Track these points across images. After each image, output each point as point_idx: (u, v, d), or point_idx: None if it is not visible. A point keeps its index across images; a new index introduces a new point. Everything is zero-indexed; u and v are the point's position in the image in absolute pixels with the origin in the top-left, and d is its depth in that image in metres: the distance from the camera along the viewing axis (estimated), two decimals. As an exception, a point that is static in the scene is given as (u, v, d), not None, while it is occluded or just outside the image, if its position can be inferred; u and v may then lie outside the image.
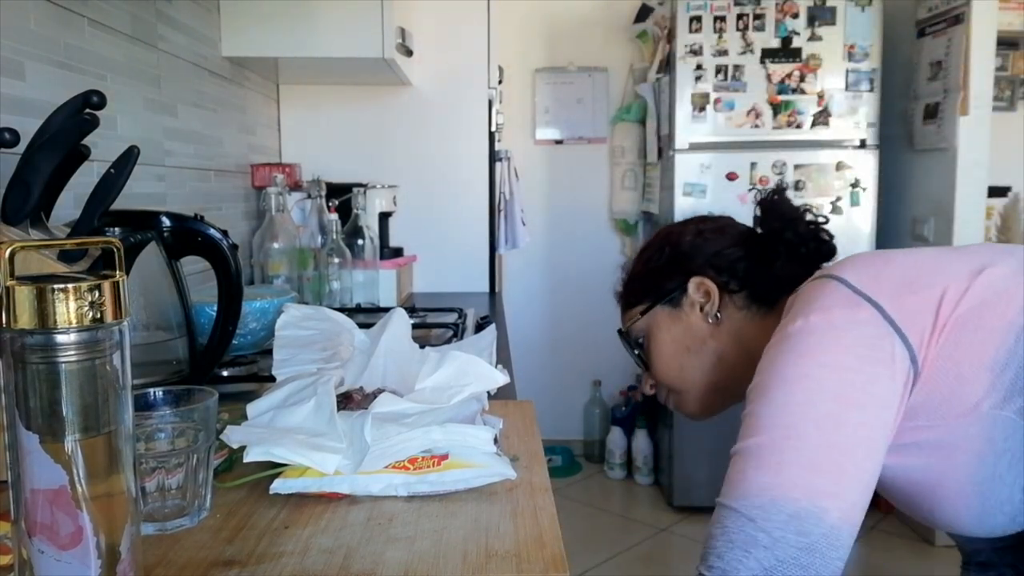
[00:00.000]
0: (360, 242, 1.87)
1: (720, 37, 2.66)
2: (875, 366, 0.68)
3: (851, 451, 0.67)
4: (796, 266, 0.89)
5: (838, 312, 0.71)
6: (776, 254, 0.90)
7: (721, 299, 0.90)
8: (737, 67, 2.67)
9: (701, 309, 0.91)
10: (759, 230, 0.94)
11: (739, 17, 2.65)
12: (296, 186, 2.05)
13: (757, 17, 2.65)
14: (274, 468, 0.70)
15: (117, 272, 0.49)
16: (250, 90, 1.98)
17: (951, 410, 0.69)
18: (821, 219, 0.93)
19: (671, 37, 2.74)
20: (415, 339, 0.94)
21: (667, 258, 0.95)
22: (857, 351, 0.69)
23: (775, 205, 0.93)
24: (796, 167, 2.68)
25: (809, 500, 0.64)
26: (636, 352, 0.98)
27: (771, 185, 2.61)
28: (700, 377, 0.93)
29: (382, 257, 1.98)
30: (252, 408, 0.77)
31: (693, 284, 0.91)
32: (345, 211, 1.88)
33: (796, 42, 2.65)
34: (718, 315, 0.91)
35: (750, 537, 0.65)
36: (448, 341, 1.28)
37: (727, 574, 0.64)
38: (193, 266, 0.99)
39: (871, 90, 2.66)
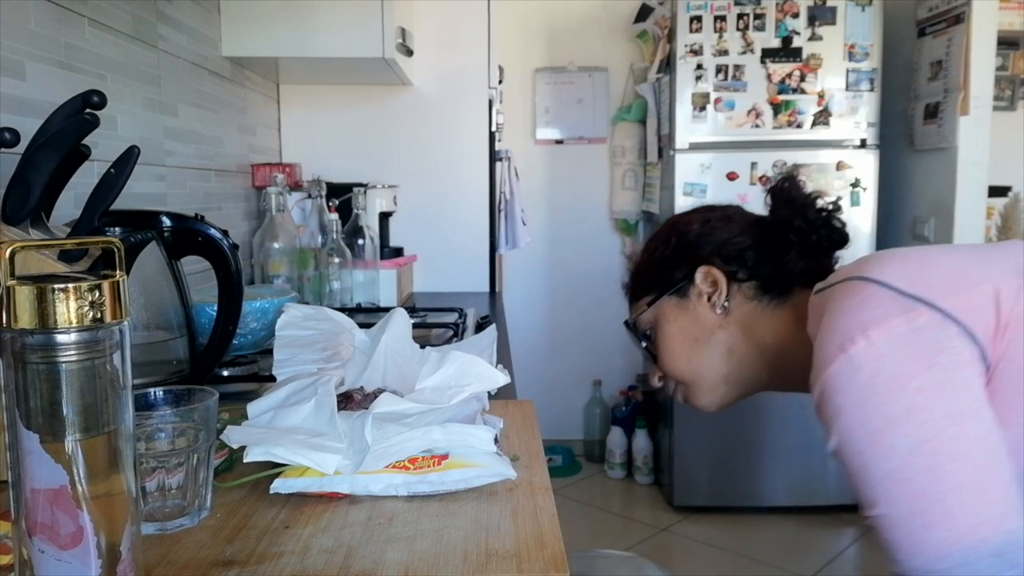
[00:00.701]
0: (360, 242, 1.87)
1: (720, 37, 2.66)
2: (960, 369, 0.66)
3: (992, 461, 0.64)
4: (809, 256, 0.87)
5: (896, 322, 0.67)
6: (787, 243, 0.87)
7: (729, 289, 0.88)
8: (737, 67, 2.67)
9: (709, 299, 0.89)
10: (769, 218, 0.91)
11: (739, 17, 2.65)
12: (296, 186, 2.05)
13: (757, 17, 2.65)
14: (274, 468, 0.70)
15: (117, 272, 0.49)
16: (250, 90, 1.98)
17: (1008, 414, 0.66)
18: (832, 206, 0.90)
19: (671, 37, 2.74)
20: (415, 339, 0.94)
21: (673, 248, 0.93)
22: (938, 359, 0.65)
23: (785, 192, 0.90)
24: (796, 167, 2.68)
25: (997, 531, 0.62)
26: (644, 344, 0.95)
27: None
28: (709, 369, 0.90)
29: (382, 257, 1.98)
30: (252, 408, 0.77)
31: (700, 273, 0.89)
32: (345, 211, 1.88)
33: (796, 42, 2.65)
34: (726, 305, 0.88)
35: None
36: (448, 341, 1.28)
37: None
38: (193, 266, 0.99)
39: (871, 90, 2.66)
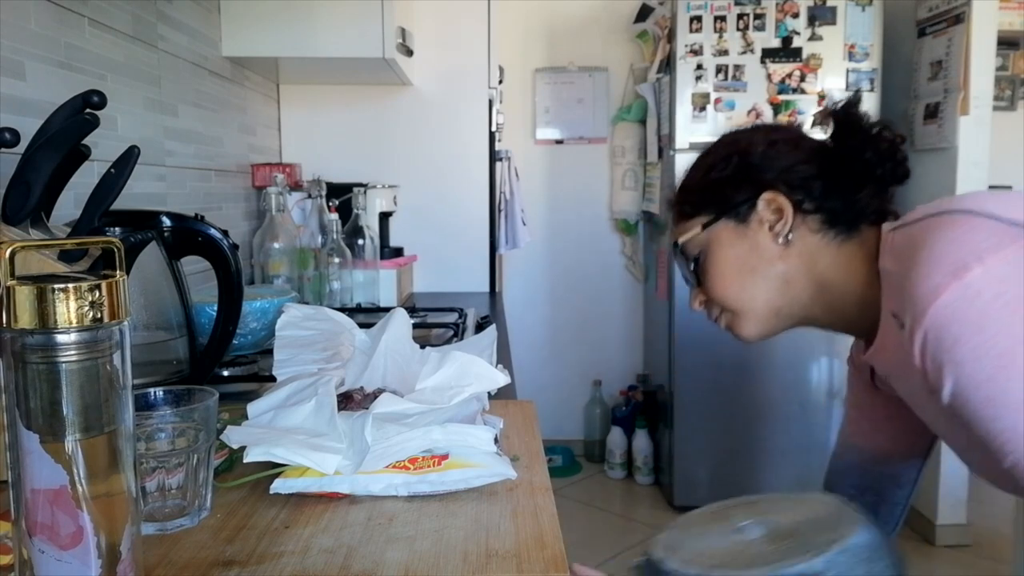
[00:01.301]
0: (360, 242, 1.87)
1: (720, 37, 2.66)
2: None
3: None
4: (882, 193, 0.84)
5: (1012, 250, 0.65)
6: (858, 177, 0.83)
7: (794, 219, 0.83)
8: (737, 67, 2.67)
9: (771, 228, 0.84)
10: (832, 146, 0.86)
11: (739, 17, 2.65)
12: (296, 186, 2.05)
13: (757, 17, 2.65)
14: (274, 468, 0.70)
15: (117, 272, 0.49)
16: (250, 90, 1.98)
17: None
18: (898, 138, 0.84)
19: (671, 37, 2.74)
20: (415, 339, 0.94)
21: (734, 167, 0.86)
22: None
23: (852, 119, 0.84)
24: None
25: None
26: (691, 267, 0.89)
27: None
28: (762, 299, 0.85)
29: (382, 257, 1.98)
30: (253, 408, 0.77)
31: (764, 200, 0.83)
32: (345, 211, 1.88)
33: (796, 42, 2.65)
34: (789, 236, 0.83)
35: None
36: (448, 341, 1.28)
37: None
38: (193, 266, 0.99)
39: (871, 90, 2.66)
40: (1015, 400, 0.63)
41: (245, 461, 0.68)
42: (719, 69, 2.67)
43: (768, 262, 0.84)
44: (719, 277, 0.87)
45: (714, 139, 0.92)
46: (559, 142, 3.36)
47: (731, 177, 0.86)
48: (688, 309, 0.93)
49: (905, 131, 2.73)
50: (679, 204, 0.91)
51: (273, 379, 0.87)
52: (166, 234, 0.92)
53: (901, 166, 0.84)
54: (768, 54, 2.66)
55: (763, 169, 0.84)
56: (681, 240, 0.90)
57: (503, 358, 1.29)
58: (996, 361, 0.63)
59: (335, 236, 1.76)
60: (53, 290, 0.45)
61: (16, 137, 0.75)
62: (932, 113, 2.57)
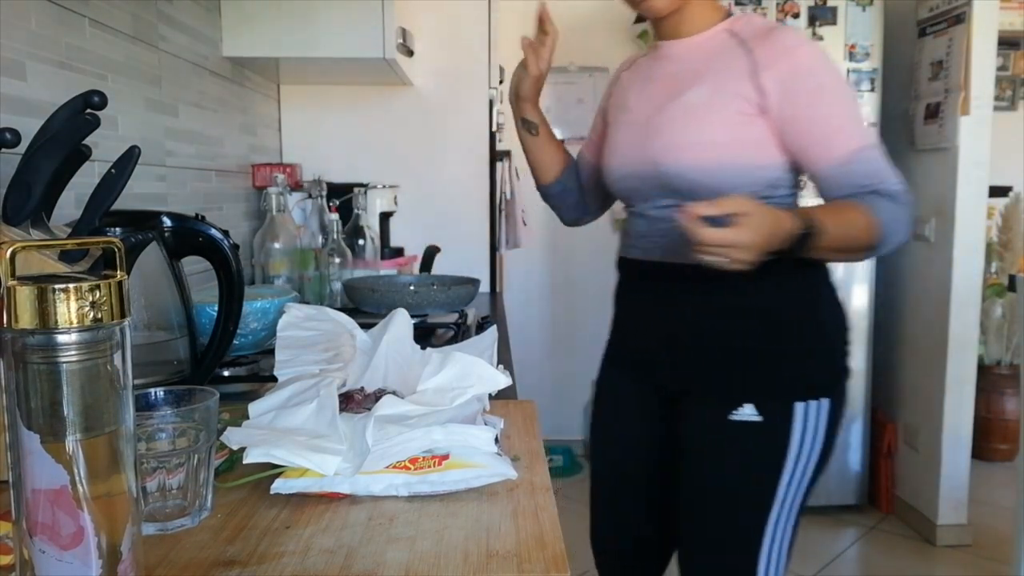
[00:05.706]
0: (361, 242, 1.87)
1: (721, 37, 2.66)
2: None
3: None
4: None
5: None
6: None
7: None
8: (738, 67, 2.67)
9: None
10: None
11: (740, 17, 2.65)
12: (297, 186, 2.05)
13: (758, 17, 2.65)
14: (275, 468, 0.70)
15: (118, 272, 0.49)
16: (251, 90, 1.98)
17: None
18: None
19: (672, 37, 2.73)
20: (416, 340, 0.94)
21: None
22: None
23: None
24: None
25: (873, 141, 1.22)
26: None
27: None
28: None
29: (383, 257, 1.98)
30: (254, 407, 0.77)
31: None
32: (346, 211, 1.88)
33: (797, 42, 2.65)
34: None
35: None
36: (449, 341, 1.28)
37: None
38: (194, 266, 0.99)
39: (872, 90, 2.66)
40: (838, 120, 1.14)
41: (245, 462, 0.68)
42: (719, 69, 2.67)
43: None
44: None
45: None
46: (560, 142, 3.36)
47: None
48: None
49: (906, 131, 2.73)
50: None
51: (274, 379, 0.87)
52: (167, 234, 0.93)
53: None
54: (768, 54, 2.65)
55: None
56: None
57: (504, 358, 1.29)
58: (835, 92, 1.13)
59: (336, 236, 1.76)
60: (54, 290, 0.45)
61: (17, 137, 0.75)
62: (933, 113, 2.57)
